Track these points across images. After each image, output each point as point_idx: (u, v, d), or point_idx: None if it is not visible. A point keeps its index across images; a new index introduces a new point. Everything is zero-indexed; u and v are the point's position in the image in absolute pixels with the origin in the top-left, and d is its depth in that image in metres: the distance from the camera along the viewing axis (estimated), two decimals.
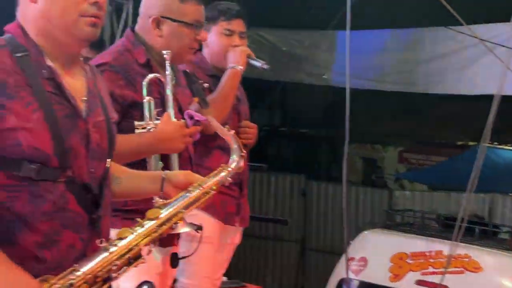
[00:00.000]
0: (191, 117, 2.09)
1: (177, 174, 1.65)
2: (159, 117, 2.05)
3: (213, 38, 2.59)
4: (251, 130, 2.68)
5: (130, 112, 2.04)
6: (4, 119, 1.29)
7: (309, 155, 8.40)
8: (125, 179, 1.63)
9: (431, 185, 7.85)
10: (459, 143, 9.51)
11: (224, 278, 4.73)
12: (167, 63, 2.07)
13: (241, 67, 2.53)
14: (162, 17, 2.10)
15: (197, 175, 1.62)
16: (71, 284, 1.23)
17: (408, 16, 5.69)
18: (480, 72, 5.48)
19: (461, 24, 4.83)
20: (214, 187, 1.59)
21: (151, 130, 2.03)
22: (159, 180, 1.60)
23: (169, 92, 2.08)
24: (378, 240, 3.97)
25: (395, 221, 4.49)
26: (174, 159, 2.09)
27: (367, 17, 4.71)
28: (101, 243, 1.33)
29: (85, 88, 1.46)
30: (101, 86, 1.56)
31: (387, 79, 5.80)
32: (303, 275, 6.04)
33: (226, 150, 2.43)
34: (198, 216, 2.50)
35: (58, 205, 1.34)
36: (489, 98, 3.11)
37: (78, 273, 1.24)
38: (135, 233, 1.36)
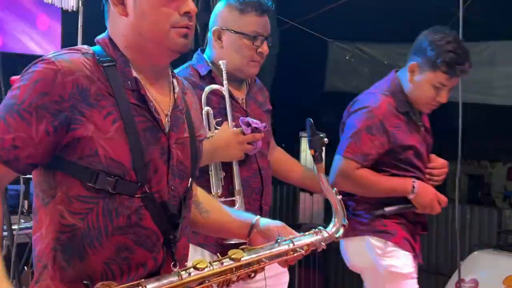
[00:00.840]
0: (249, 125, 2.09)
1: (269, 224, 1.55)
2: (218, 127, 2.04)
3: (422, 81, 2.43)
4: (440, 171, 2.52)
5: None
6: (82, 127, 1.28)
7: None
8: (214, 214, 1.58)
9: None
10: None
11: None
12: (224, 73, 2.07)
13: (412, 200, 2.43)
14: (223, 28, 2.12)
15: (290, 229, 1.53)
16: None
17: None
18: None
19: None
20: (306, 248, 1.49)
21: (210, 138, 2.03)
22: (248, 225, 1.55)
23: (227, 101, 2.07)
24: (490, 262, 3.80)
25: (507, 242, 4.28)
26: (235, 168, 2.08)
27: (475, 29, 4.55)
28: (174, 266, 1.31)
29: (171, 103, 1.43)
30: (191, 102, 1.53)
31: (496, 92, 5.56)
32: None
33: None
34: (397, 251, 2.45)
35: (132, 221, 1.32)
36: None
37: None
38: (211, 268, 1.30)
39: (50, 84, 1.28)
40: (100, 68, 1.35)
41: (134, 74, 1.39)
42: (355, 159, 2.38)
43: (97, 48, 1.40)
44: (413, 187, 2.40)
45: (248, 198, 2.10)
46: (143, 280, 1.24)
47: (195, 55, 2.25)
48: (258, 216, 1.57)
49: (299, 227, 5.06)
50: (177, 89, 1.48)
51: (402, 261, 2.45)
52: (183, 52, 1.41)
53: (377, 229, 2.44)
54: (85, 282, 1.24)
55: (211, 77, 2.15)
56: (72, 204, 1.31)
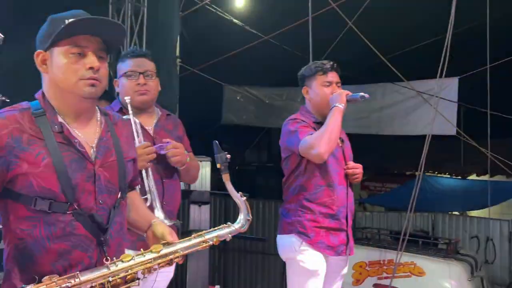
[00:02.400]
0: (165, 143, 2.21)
1: (158, 225, 1.57)
2: None
3: (315, 91, 2.52)
4: (358, 170, 2.54)
5: None
6: (18, 166, 1.36)
7: None
8: (132, 213, 1.62)
9: (387, 207, 7.88)
10: (408, 173, 9.67)
11: (217, 287, 4.66)
12: (129, 106, 2.19)
13: (343, 105, 2.42)
14: (116, 78, 2.31)
15: (173, 233, 1.54)
16: (67, 286, 1.28)
17: (363, 74, 5.86)
18: (420, 116, 5.67)
19: (403, 80, 5.00)
20: (215, 239, 1.53)
21: None
22: (148, 224, 1.59)
23: (133, 126, 2.14)
24: None
25: (358, 237, 4.52)
26: (144, 175, 2.15)
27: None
28: (107, 260, 1.36)
29: (97, 136, 1.49)
30: (121, 131, 1.57)
31: (348, 124, 5.91)
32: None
33: (333, 187, 2.45)
34: (309, 251, 2.39)
35: (66, 231, 1.38)
36: (432, 137, 3.24)
37: (77, 279, 1.29)
38: (134, 260, 1.37)
39: None
40: (33, 119, 1.43)
41: (60, 119, 1.45)
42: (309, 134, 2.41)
43: (35, 102, 1.48)
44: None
45: (155, 198, 2.17)
46: (78, 272, 1.32)
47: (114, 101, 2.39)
48: (157, 218, 1.62)
49: (190, 233, 5.03)
50: (103, 124, 1.51)
51: (312, 259, 2.44)
52: (93, 98, 1.47)
53: (299, 230, 2.45)
54: (34, 276, 1.33)
55: (122, 112, 2.24)
56: (21, 223, 1.38)
